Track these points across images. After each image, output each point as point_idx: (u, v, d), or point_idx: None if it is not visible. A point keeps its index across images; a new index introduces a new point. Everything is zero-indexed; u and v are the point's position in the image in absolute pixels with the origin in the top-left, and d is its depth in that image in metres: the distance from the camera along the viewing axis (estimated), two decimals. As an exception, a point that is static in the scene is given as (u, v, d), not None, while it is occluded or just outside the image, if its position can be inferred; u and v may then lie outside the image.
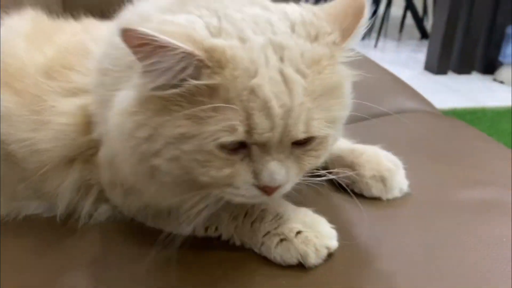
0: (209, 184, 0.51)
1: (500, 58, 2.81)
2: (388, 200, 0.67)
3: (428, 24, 3.67)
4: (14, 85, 0.66)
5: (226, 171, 0.50)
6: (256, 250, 0.58)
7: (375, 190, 0.67)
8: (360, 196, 0.67)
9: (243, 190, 0.51)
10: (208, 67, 0.46)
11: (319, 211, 0.60)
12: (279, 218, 0.58)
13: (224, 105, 0.46)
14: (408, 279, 0.55)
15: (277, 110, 0.47)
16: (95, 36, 0.70)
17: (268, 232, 0.57)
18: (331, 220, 0.59)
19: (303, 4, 0.57)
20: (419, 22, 3.77)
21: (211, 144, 0.48)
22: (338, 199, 0.68)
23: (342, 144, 0.70)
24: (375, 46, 3.42)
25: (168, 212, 0.61)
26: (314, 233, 0.56)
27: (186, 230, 0.60)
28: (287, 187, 0.53)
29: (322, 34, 0.51)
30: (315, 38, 0.51)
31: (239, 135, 0.47)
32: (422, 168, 0.76)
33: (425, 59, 3.02)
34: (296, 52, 0.49)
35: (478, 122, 2.24)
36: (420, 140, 0.87)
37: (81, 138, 0.63)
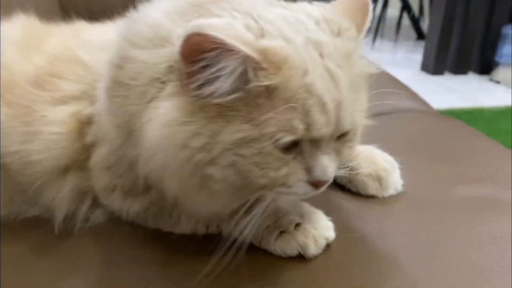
0: (264, 186, 0.50)
1: (497, 58, 2.82)
2: (385, 198, 0.69)
3: (425, 24, 3.68)
4: (5, 96, 0.65)
5: (283, 170, 0.50)
6: (256, 243, 0.59)
7: (371, 188, 0.68)
8: (357, 194, 0.69)
9: (296, 188, 0.52)
10: (263, 69, 0.46)
11: (317, 207, 0.61)
12: (277, 212, 0.58)
13: (286, 105, 0.46)
14: (406, 272, 0.56)
15: (330, 105, 0.48)
16: (85, 40, 0.70)
17: (268, 226, 0.58)
18: (328, 215, 0.61)
19: (314, 2, 0.57)
20: (415, 22, 3.78)
21: (272, 145, 0.48)
22: (336, 197, 0.69)
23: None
24: (372, 46, 3.43)
25: (170, 213, 0.62)
26: (312, 224, 0.58)
27: (185, 228, 0.62)
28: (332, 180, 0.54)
29: (343, 30, 0.52)
30: (338, 34, 0.52)
31: (299, 133, 0.48)
32: (419, 166, 0.77)
33: (421, 60, 3.03)
34: (331, 48, 0.50)
35: (475, 122, 2.25)
36: (417, 139, 0.88)
37: (74, 145, 0.63)
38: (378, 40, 3.53)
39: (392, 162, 0.70)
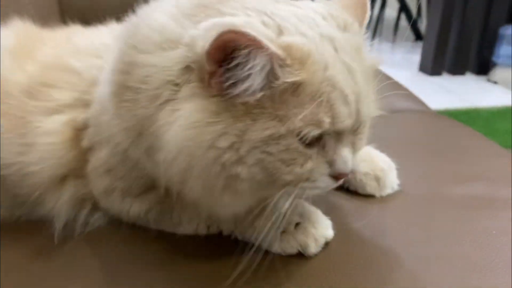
0: (290, 182, 0.51)
1: (494, 59, 2.83)
2: (383, 196, 0.70)
3: (423, 25, 3.69)
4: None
5: (308, 166, 0.50)
6: (256, 242, 0.58)
7: (370, 187, 0.70)
8: (355, 193, 0.70)
9: (319, 182, 0.52)
10: (287, 65, 0.46)
11: (316, 206, 0.62)
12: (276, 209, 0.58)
13: (311, 99, 0.47)
14: (406, 269, 0.57)
15: (351, 97, 0.49)
16: (76, 46, 0.70)
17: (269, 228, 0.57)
18: (328, 214, 0.61)
19: None
20: (413, 23, 3.79)
21: (297, 141, 0.48)
22: (334, 196, 0.69)
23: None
24: (370, 47, 3.43)
25: (170, 214, 0.62)
26: (311, 223, 0.58)
27: (187, 229, 0.62)
28: None
29: (348, 25, 0.53)
30: (344, 29, 0.52)
31: (325, 126, 0.48)
32: (417, 166, 0.78)
33: (419, 61, 3.04)
34: (342, 42, 0.51)
35: (472, 122, 2.26)
36: (415, 139, 0.88)
37: (70, 153, 0.63)
38: (376, 41, 3.52)
39: (389, 162, 0.71)
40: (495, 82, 2.84)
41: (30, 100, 0.65)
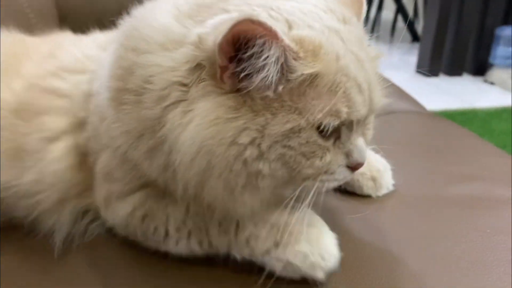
0: (310, 176, 0.50)
1: (490, 60, 2.85)
2: (379, 197, 0.70)
3: (419, 26, 3.70)
4: None
5: (327, 158, 0.50)
6: (257, 263, 0.56)
7: (366, 188, 0.70)
8: (351, 194, 0.71)
9: (337, 174, 0.52)
10: (300, 58, 0.46)
11: (314, 207, 0.62)
12: (275, 230, 0.54)
13: (328, 90, 0.47)
14: (408, 268, 0.58)
15: (364, 85, 0.49)
16: (60, 64, 0.68)
17: (268, 252, 0.54)
18: (325, 215, 0.60)
19: None
20: (410, 25, 3.80)
21: (316, 133, 0.48)
22: (330, 197, 0.69)
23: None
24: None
25: (166, 233, 0.58)
26: (319, 252, 0.53)
27: (180, 247, 0.58)
28: None
29: (347, 18, 0.53)
30: (344, 21, 0.52)
31: (344, 116, 0.48)
32: (412, 165, 0.79)
33: (416, 62, 3.05)
34: (347, 33, 0.51)
35: (470, 123, 2.27)
36: (410, 139, 0.89)
37: (77, 177, 0.63)
38: (373, 43, 3.53)
39: (384, 163, 0.72)
40: (492, 83, 2.86)
41: (22, 123, 0.63)
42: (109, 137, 0.56)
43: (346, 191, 0.71)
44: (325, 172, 0.51)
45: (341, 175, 0.52)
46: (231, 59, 0.46)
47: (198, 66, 0.47)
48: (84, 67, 0.66)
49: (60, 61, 0.68)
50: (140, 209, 0.59)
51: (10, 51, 0.72)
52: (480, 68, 2.94)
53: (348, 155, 0.52)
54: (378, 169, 0.71)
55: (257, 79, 0.46)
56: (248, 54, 0.45)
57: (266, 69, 0.45)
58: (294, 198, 0.51)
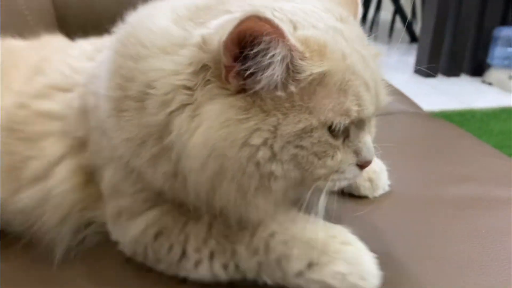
0: (321, 176, 0.50)
1: (488, 60, 2.85)
2: (376, 197, 0.71)
3: (417, 27, 3.70)
4: None
5: (338, 157, 0.50)
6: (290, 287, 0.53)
7: (363, 189, 0.71)
8: (347, 195, 0.71)
9: (348, 173, 0.51)
10: (306, 58, 0.45)
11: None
12: (308, 248, 0.52)
13: (338, 89, 0.47)
14: (399, 268, 0.58)
15: (371, 83, 0.49)
16: (48, 82, 0.65)
17: (302, 273, 0.51)
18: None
19: None
20: (408, 25, 3.81)
21: (327, 132, 0.48)
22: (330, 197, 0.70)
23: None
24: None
25: (183, 252, 0.54)
26: (358, 272, 0.51)
27: (202, 273, 0.54)
28: None
29: (344, 18, 0.53)
30: (342, 21, 0.52)
31: (354, 114, 0.48)
32: (408, 166, 0.79)
33: (414, 62, 3.05)
34: (349, 32, 0.51)
35: (468, 123, 2.27)
36: (407, 140, 0.89)
37: (82, 193, 0.61)
38: (371, 44, 3.54)
39: (380, 164, 0.73)
40: (490, 84, 2.86)
41: (19, 144, 0.62)
42: (111, 148, 0.54)
43: (343, 192, 0.71)
44: (336, 171, 0.50)
45: (351, 174, 0.52)
46: (236, 59, 0.45)
47: (203, 68, 0.47)
48: (74, 82, 0.64)
49: (49, 79, 0.66)
50: (154, 227, 0.56)
51: (3, 59, 0.70)
52: (478, 69, 2.94)
53: (357, 153, 0.52)
54: (374, 170, 0.71)
55: (263, 78, 0.45)
56: (253, 51, 0.44)
57: (272, 67, 0.45)
58: (307, 201, 0.51)
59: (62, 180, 0.60)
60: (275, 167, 0.47)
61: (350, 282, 0.50)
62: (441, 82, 2.92)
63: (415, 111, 1.07)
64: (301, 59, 0.45)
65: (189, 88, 0.47)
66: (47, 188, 0.60)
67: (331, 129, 0.48)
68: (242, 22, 0.42)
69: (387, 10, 3.85)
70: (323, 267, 0.51)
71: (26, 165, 0.62)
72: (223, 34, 0.44)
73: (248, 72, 0.45)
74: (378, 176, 0.71)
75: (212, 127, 0.46)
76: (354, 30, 0.53)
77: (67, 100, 0.63)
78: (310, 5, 0.52)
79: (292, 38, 0.44)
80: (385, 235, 0.63)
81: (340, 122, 0.47)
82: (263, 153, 0.46)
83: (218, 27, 0.46)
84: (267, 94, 0.46)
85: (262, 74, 0.45)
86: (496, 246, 0.61)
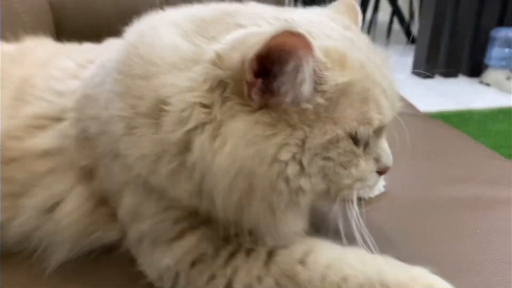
0: (346, 186, 0.49)
1: (486, 61, 2.86)
2: (371, 198, 0.71)
3: (415, 28, 3.71)
4: None
5: (362, 165, 0.49)
6: None
7: None
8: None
9: (370, 180, 0.51)
10: (329, 68, 0.45)
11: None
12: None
13: (360, 98, 0.47)
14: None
15: (388, 89, 0.49)
16: (39, 111, 0.61)
17: None
18: (319, 217, 0.60)
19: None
20: (405, 27, 3.81)
21: (351, 142, 0.47)
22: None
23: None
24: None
25: (228, 284, 0.51)
26: None
27: None
28: None
29: (348, 26, 0.53)
30: (347, 29, 0.52)
31: (376, 122, 0.48)
32: (403, 167, 0.78)
33: (412, 63, 3.06)
34: (358, 40, 0.51)
35: (465, 124, 2.28)
36: (403, 141, 0.89)
37: (91, 218, 0.58)
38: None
39: None
40: (487, 84, 2.87)
41: (20, 177, 0.58)
42: (127, 169, 0.51)
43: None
44: (359, 180, 0.50)
45: (372, 181, 0.52)
46: (257, 74, 0.43)
47: (219, 85, 0.45)
48: (61, 108, 0.60)
49: (35, 108, 0.61)
50: (191, 254, 0.52)
51: None
52: (475, 70, 2.95)
53: (377, 160, 0.52)
54: None
55: (290, 92, 0.44)
56: (284, 68, 0.44)
57: (301, 82, 0.44)
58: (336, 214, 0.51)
59: (71, 211, 0.58)
60: (304, 182, 0.46)
61: None
62: (439, 83, 2.92)
63: (412, 112, 1.07)
64: (324, 70, 0.44)
65: (206, 106, 0.45)
66: (55, 221, 0.58)
67: (354, 138, 0.47)
68: (274, 37, 0.41)
69: (384, 11, 3.86)
70: None
71: (29, 192, 0.58)
72: (247, 51, 0.42)
73: (274, 88, 0.44)
74: None
75: (238, 145, 0.44)
76: (362, 37, 0.53)
77: (61, 131, 0.59)
78: (315, 15, 0.52)
79: (318, 51, 0.44)
80: (380, 236, 0.63)
81: (364, 131, 0.47)
82: (292, 168, 0.45)
83: (235, 42, 0.45)
84: (293, 107, 0.45)
85: (290, 89, 0.44)
86: (494, 246, 0.61)
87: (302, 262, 0.50)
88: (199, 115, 0.45)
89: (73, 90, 0.60)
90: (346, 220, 0.51)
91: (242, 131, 0.44)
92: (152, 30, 0.52)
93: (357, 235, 0.51)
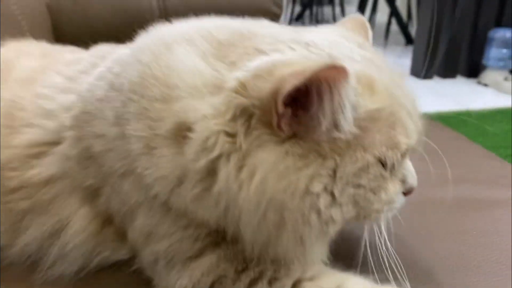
0: (375, 211, 0.48)
1: (484, 62, 2.86)
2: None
3: (413, 29, 3.72)
4: None
5: (390, 189, 0.48)
6: None
7: None
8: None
9: (397, 203, 0.50)
10: (360, 93, 0.43)
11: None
12: None
13: (387, 122, 0.45)
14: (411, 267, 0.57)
15: (413, 111, 0.48)
16: (32, 138, 0.58)
17: None
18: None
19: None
20: (403, 28, 3.82)
21: (380, 166, 0.46)
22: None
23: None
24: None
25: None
26: None
27: None
28: None
29: (362, 44, 0.52)
30: (361, 48, 0.51)
31: (404, 147, 0.46)
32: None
33: (410, 64, 3.06)
34: (377, 60, 0.50)
35: (464, 124, 2.27)
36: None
37: (99, 238, 0.57)
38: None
39: None
40: (486, 85, 2.87)
41: (20, 203, 0.57)
42: (142, 189, 0.49)
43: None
44: (388, 203, 0.49)
45: (399, 203, 0.51)
46: (287, 104, 0.41)
47: (243, 113, 0.43)
48: (55, 129, 0.58)
49: (31, 135, 0.58)
50: (210, 275, 0.50)
51: None
52: (473, 70, 2.96)
53: (403, 181, 0.51)
54: None
55: (325, 123, 0.42)
56: (322, 100, 0.42)
57: (338, 112, 0.42)
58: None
59: (77, 233, 0.56)
60: (335, 212, 0.45)
61: None
62: (437, 84, 2.93)
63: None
64: (356, 96, 0.43)
65: (230, 134, 0.43)
66: (61, 243, 0.56)
67: (382, 162, 0.46)
68: (317, 72, 0.39)
69: (383, 12, 3.87)
70: None
71: (33, 221, 0.57)
72: (280, 83, 0.40)
73: (307, 118, 0.42)
74: None
75: (268, 178, 0.42)
76: (378, 56, 0.51)
77: (60, 154, 0.56)
78: (330, 34, 0.51)
79: (352, 78, 0.42)
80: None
81: (393, 155, 0.46)
82: (323, 200, 0.44)
83: (259, 71, 0.43)
84: (324, 137, 0.43)
85: (324, 120, 0.42)
86: (493, 247, 0.61)
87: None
88: (224, 144, 0.43)
89: (68, 106, 0.57)
90: (373, 248, 0.51)
91: (272, 162, 0.42)
92: (166, 49, 0.50)
93: (386, 263, 0.50)
